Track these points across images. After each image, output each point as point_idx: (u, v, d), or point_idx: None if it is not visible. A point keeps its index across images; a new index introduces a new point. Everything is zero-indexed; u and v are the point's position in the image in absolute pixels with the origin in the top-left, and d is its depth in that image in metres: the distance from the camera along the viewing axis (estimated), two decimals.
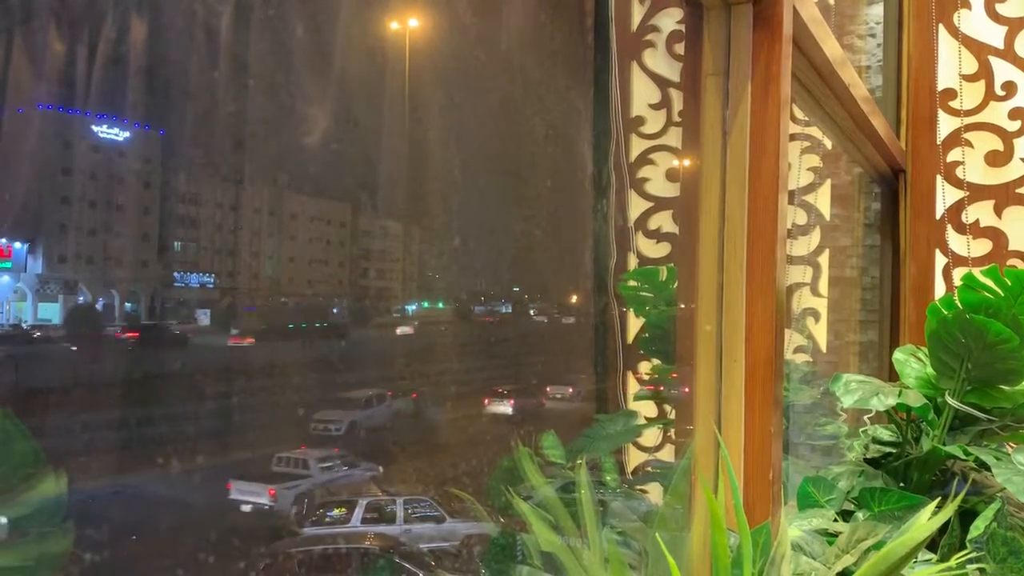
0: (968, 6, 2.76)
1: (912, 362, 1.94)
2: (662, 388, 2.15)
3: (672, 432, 2.35)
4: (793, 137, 2.55)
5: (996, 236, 2.70)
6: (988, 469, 1.64)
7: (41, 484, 0.88)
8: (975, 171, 2.73)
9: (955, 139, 2.75)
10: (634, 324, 2.62)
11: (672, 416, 2.28)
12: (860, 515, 1.63)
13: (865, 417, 2.30)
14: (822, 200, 2.78)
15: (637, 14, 2.72)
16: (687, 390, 1.42)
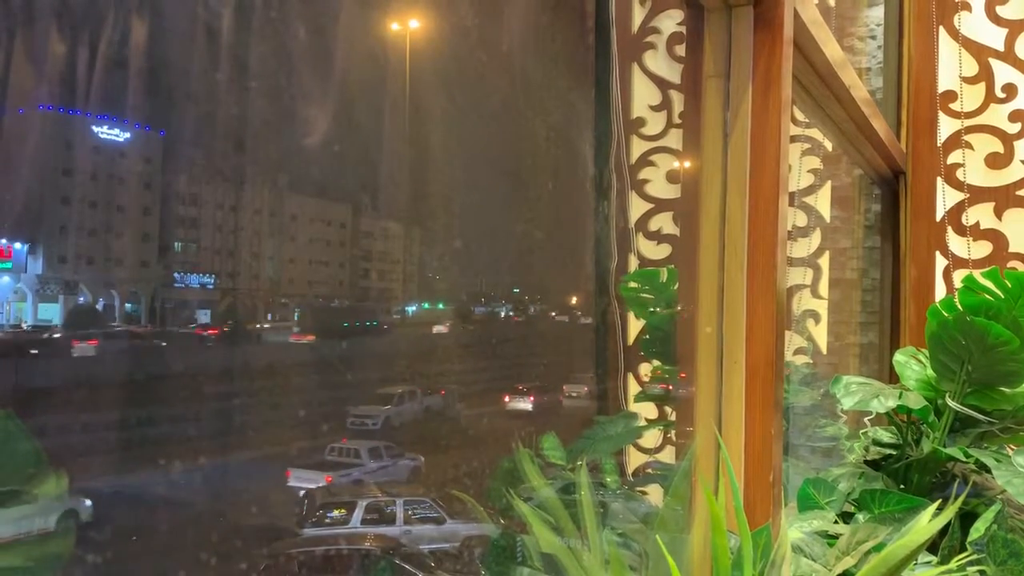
0: (968, 8, 2.76)
1: (912, 364, 1.94)
2: (669, 387, 2.15)
3: (673, 433, 2.35)
4: (793, 139, 2.56)
5: (996, 238, 2.70)
6: (988, 471, 1.64)
7: (42, 485, 0.89)
8: (975, 173, 2.73)
9: (955, 141, 2.75)
10: (635, 326, 2.62)
11: (672, 417, 2.28)
12: (860, 517, 1.63)
13: (865, 419, 2.30)
14: (822, 202, 2.78)
15: (638, 16, 2.73)
16: (687, 392, 1.42)
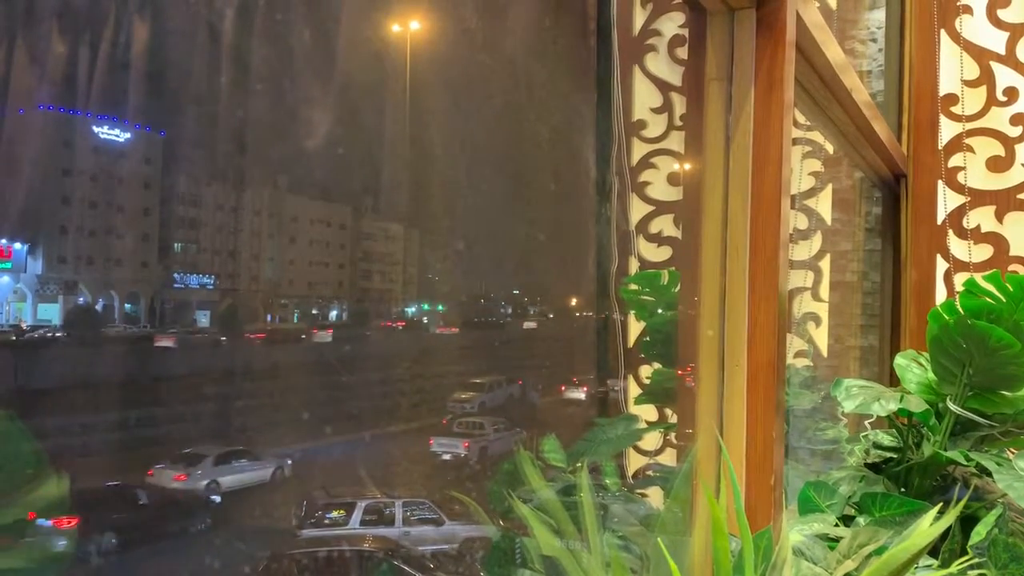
0: (970, 11, 2.76)
1: (913, 367, 1.94)
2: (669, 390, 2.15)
3: (673, 436, 2.35)
4: (795, 141, 2.56)
5: (997, 241, 2.70)
6: (989, 475, 1.64)
7: (43, 486, 0.88)
8: (976, 176, 2.73)
9: (956, 144, 2.75)
10: (635, 328, 2.62)
11: (673, 420, 2.28)
12: (861, 520, 1.62)
13: (866, 422, 2.30)
14: (823, 205, 2.78)
15: (639, 18, 2.73)
16: (688, 394, 1.42)
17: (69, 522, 8.62)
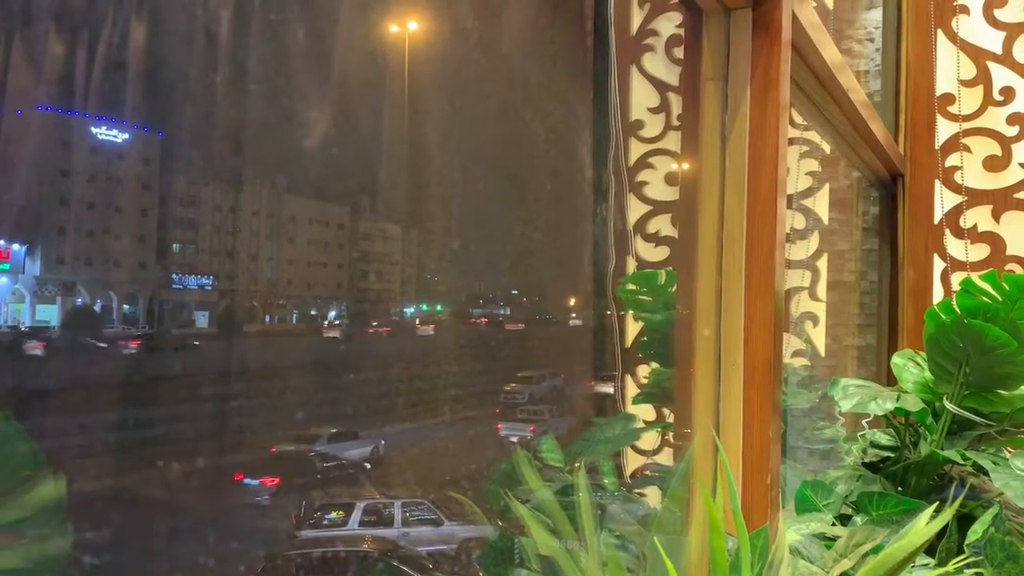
0: (967, 11, 2.77)
1: (910, 366, 1.94)
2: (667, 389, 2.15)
3: (671, 436, 2.35)
4: (792, 141, 2.56)
5: (994, 241, 2.71)
6: (986, 474, 1.64)
7: (39, 486, 0.88)
8: (973, 176, 2.74)
9: (953, 144, 2.76)
10: (633, 327, 2.62)
11: (671, 419, 2.28)
12: (858, 519, 1.63)
13: (863, 421, 2.30)
14: (821, 204, 2.78)
15: (636, 18, 2.73)
16: (686, 394, 1.42)
17: (273, 480, 13.07)
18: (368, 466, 16.27)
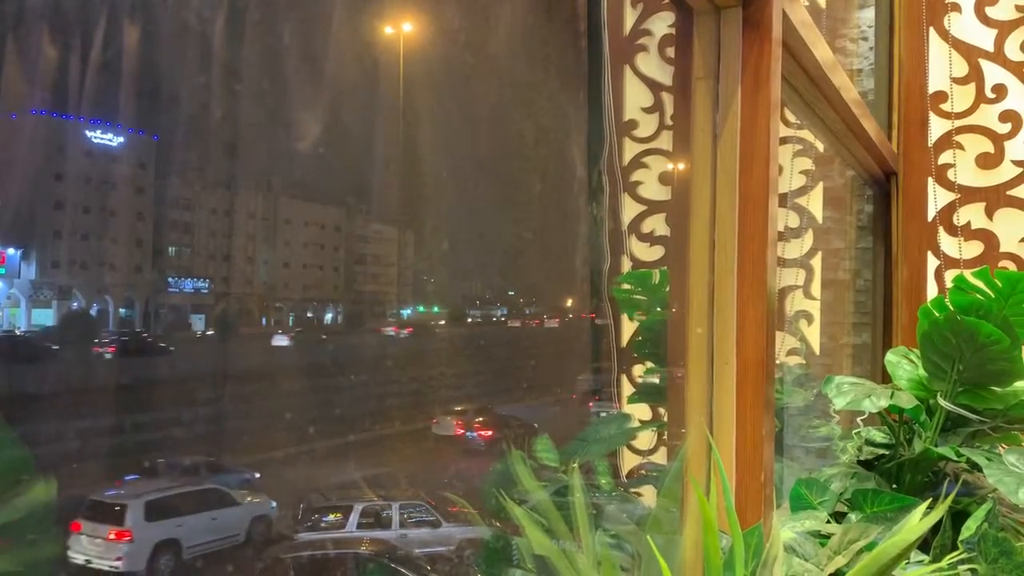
0: (958, 9, 2.77)
1: (904, 364, 1.94)
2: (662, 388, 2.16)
3: (666, 435, 2.36)
4: (785, 140, 2.56)
5: (987, 238, 2.71)
6: (980, 470, 1.64)
7: (31, 490, 0.88)
8: (966, 173, 2.74)
9: (946, 142, 2.76)
10: (628, 327, 2.62)
11: (666, 418, 2.28)
12: (853, 516, 1.63)
13: (858, 419, 2.30)
14: (815, 203, 2.79)
15: (630, 18, 2.73)
16: (679, 392, 1.42)
17: (490, 432, 19.11)
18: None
